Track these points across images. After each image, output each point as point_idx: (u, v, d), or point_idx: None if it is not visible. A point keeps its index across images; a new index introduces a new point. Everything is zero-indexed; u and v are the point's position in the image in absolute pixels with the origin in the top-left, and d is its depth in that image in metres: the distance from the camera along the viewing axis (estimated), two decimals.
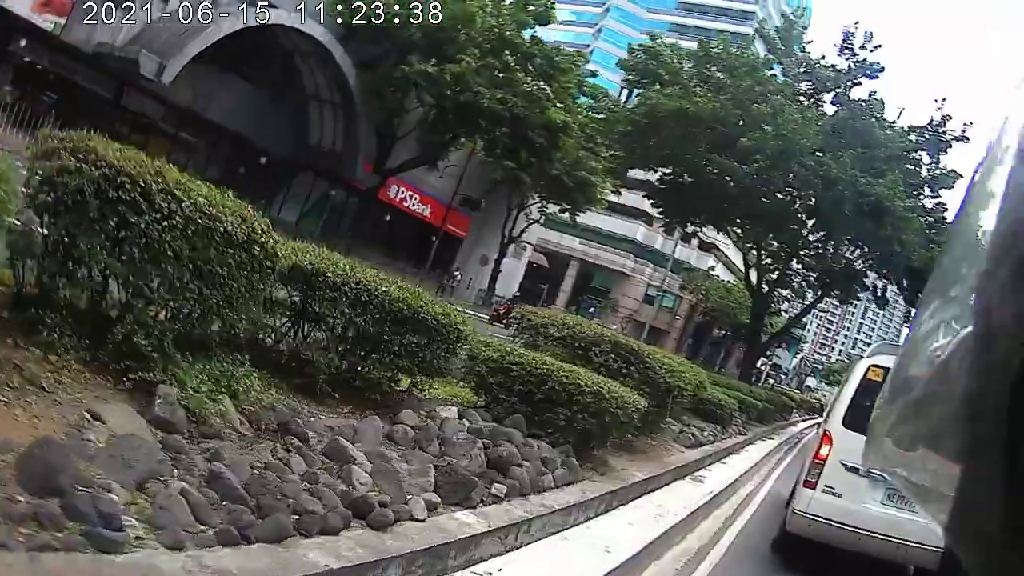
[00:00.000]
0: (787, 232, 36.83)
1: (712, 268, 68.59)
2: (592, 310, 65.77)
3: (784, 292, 44.93)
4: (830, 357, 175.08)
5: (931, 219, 34.73)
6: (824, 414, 14.33)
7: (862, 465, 6.53)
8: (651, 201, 42.25)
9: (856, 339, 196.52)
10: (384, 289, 7.10)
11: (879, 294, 40.80)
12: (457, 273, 45.89)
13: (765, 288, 41.03)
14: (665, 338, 65.48)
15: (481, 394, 8.96)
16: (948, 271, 0.87)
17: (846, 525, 8.24)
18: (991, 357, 0.64)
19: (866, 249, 36.22)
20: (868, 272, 38.45)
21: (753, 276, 40.60)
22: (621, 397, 8.73)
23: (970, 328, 0.69)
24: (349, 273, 7.11)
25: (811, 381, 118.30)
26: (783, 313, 59.23)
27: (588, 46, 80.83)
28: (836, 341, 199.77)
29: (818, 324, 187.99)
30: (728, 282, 66.63)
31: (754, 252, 39.81)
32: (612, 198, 73.15)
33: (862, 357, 9.44)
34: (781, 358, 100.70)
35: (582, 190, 42.95)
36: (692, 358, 60.69)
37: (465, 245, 49.14)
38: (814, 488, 8.49)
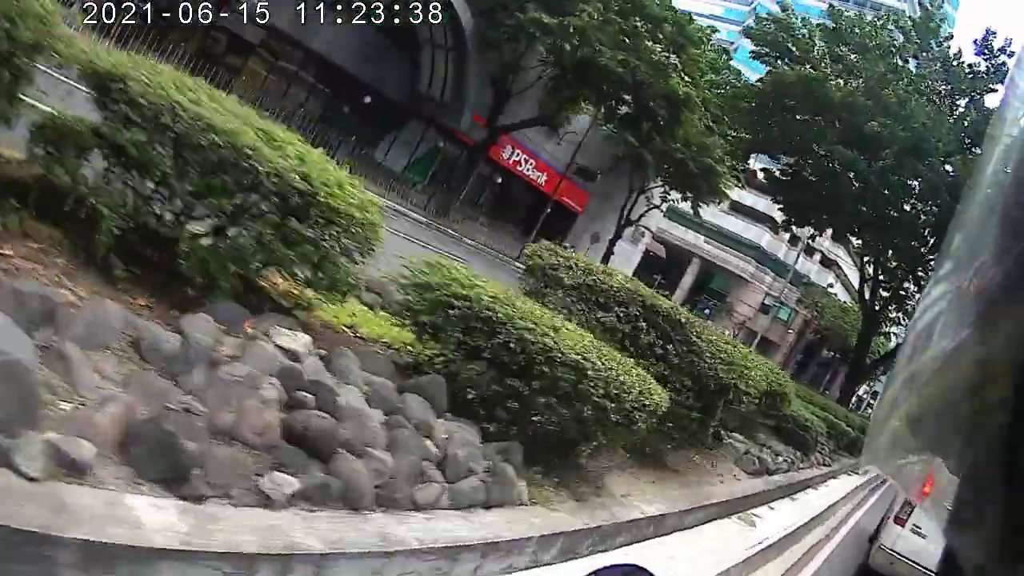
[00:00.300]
0: (907, 248, 33.25)
1: (831, 286, 63.42)
2: (707, 311, 62.60)
3: (896, 315, 40.09)
4: None
5: None
6: None
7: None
8: (772, 197, 39.13)
9: None
10: (197, 110, 4.07)
11: None
12: (571, 250, 42.92)
13: (877, 307, 37.36)
14: (775, 351, 61.36)
15: (428, 342, 5.80)
16: (950, 262, 0.81)
17: (926, 569, 7.93)
18: (991, 357, 0.63)
19: None
20: None
21: (867, 293, 37.42)
22: (618, 381, 5.38)
23: (969, 329, 0.68)
24: (162, 84, 4.15)
25: None
26: (892, 337, 53.87)
27: (734, 43, 77.44)
28: None
29: None
30: (845, 303, 61.84)
31: (870, 267, 36.68)
32: (737, 197, 69.46)
33: None
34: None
35: (706, 178, 38.92)
36: (798, 376, 56.35)
37: (580, 221, 45.27)
38: (903, 525, 8.38)
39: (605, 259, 43.53)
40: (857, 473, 18.84)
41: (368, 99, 35.58)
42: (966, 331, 0.68)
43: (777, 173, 36.92)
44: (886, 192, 31.19)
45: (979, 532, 0.67)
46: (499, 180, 40.92)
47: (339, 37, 33.54)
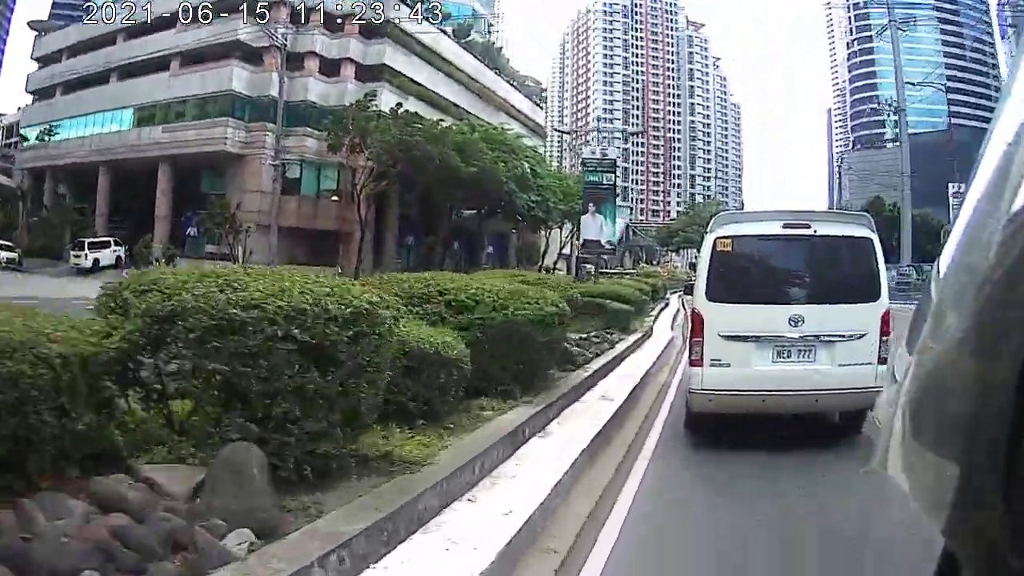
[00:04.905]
0: None
1: (372, 96, 41.98)
2: (190, 231, 40.42)
3: None
4: (668, 215, 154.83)
5: None
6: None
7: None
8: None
9: (693, 193, 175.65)
10: None
11: None
12: None
13: None
14: (344, 241, 39.48)
15: None
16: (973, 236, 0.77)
17: (746, 391, 8.22)
18: (992, 356, 0.63)
19: None
20: None
21: None
22: None
23: (969, 324, 0.68)
24: None
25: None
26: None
27: None
28: (670, 202, 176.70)
29: (642, 190, 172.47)
30: (414, 113, 40.41)
31: None
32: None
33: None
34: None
35: None
36: (418, 266, 36.24)
37: None
38: (701, 365, 8.49)
39: None
40: None
41: None
42: (966, 328, 0.67)
43: None
44: None
45: (979, 531, 0.66)
46: None
47: None
